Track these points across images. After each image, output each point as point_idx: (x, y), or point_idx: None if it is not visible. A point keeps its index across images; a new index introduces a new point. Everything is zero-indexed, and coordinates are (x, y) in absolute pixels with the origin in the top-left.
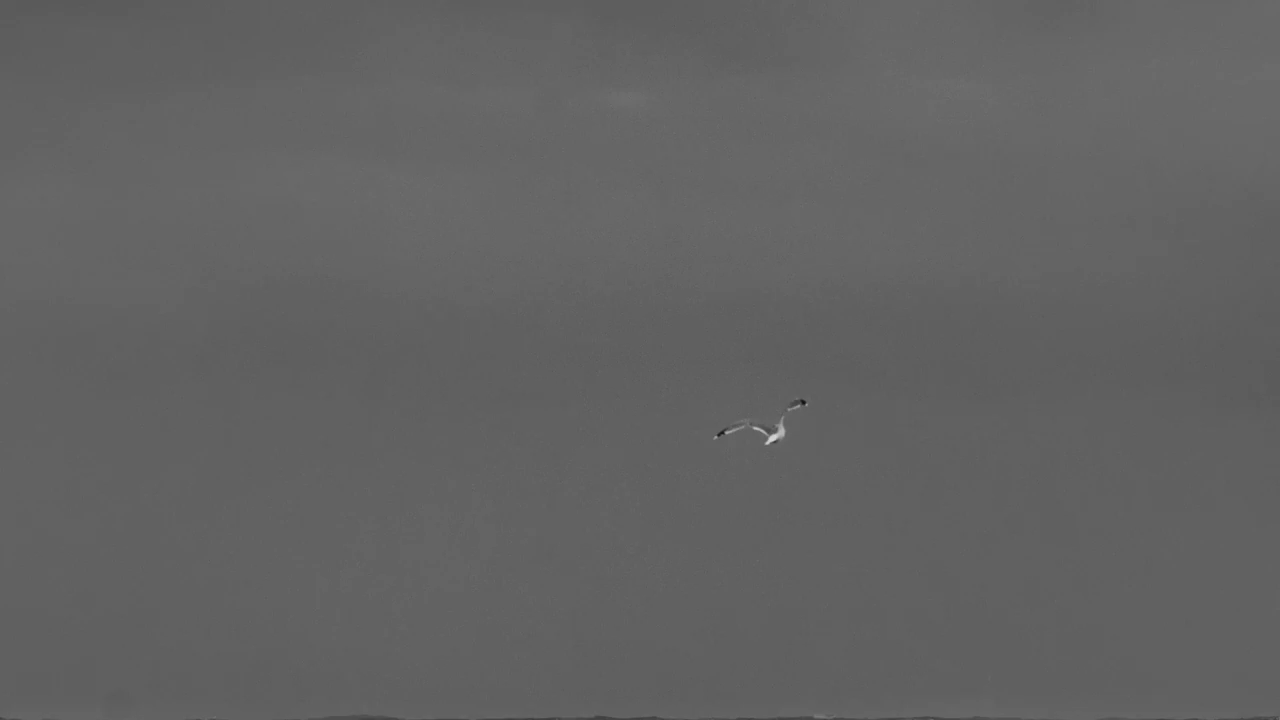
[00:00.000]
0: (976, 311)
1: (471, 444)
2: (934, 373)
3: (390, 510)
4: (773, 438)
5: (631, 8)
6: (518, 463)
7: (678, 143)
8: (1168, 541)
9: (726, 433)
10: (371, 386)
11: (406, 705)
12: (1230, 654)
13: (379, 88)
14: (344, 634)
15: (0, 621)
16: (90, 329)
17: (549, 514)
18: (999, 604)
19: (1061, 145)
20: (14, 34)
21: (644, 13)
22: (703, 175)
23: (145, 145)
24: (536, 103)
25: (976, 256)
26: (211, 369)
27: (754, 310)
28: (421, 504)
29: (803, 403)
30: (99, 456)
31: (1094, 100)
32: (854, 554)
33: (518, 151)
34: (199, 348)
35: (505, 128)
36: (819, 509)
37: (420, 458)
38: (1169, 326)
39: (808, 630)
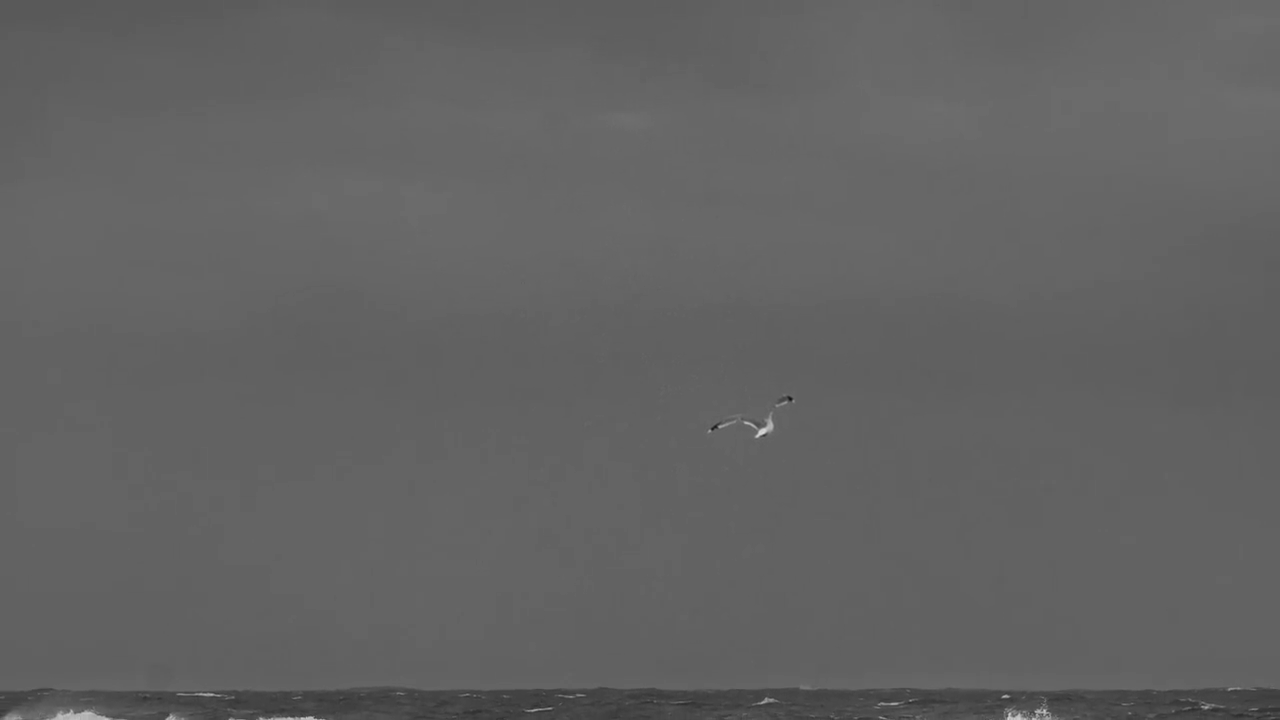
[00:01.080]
0: (949, 315)
1: (483, 437)
2: (910, 371)
3: (408, 498)
4: (762, 431)
5: (631, 36)
6: (526, 455)
7: (674, 160)
8: (1126, 525)
9: (720, 426)
10: (390, 384)
11: (424, 677)
12: (1179, 630)
13: (397, 109)
14: (367, 612)
15: (54, 601)
16: (132, 329)
17: (555, 502)
18: (968, 585)
19: (1026, 162)
20: (65, 60)
21: (643, 40)
22: (697, 190)
23: (183, 162)
24: (543, 123)
25: (950, 264)
26: (244, 367)
27: (745, 314)
28: (437, 493)
29: (789, 399)
30: (142, 448)
31: (1055, 121)
32: (837, 539)
33: (526, 168)
34: (232, 347)
35: (514, 146)
36: (805, 497)
37: (436, 450)
38: (1125, 329)
39: (794, 608)
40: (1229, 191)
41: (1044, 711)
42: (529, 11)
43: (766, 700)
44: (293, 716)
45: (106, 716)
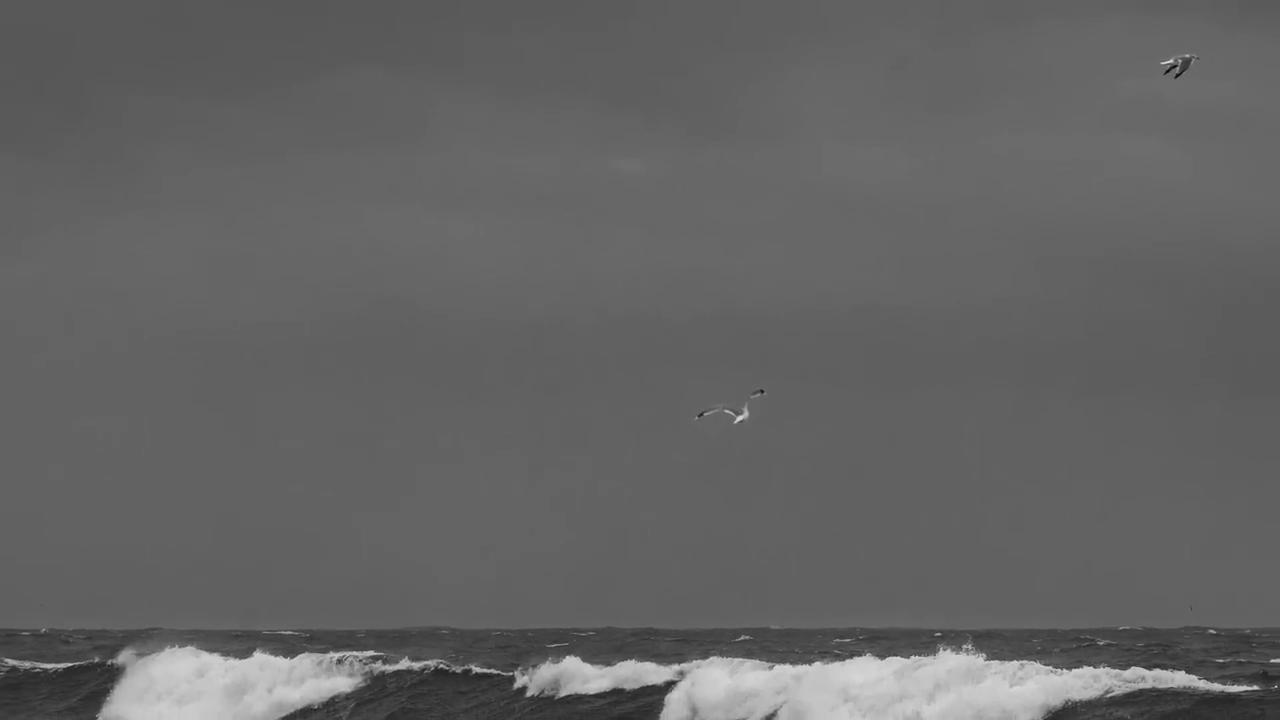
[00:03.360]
0: (891, 322)
1: (511, 421)
2: (860, 370)
3: (449, 471)
4: (739, 418)
5: (632, 95)
6: (546, 435)
7: (668, 197)
8: (1038, 494)
9: (705, 414)
10: (436, 377)
11: (462, 619)
12: (1079, 580)
13: (441, 155)
14: (417, 564)
15: (163, 554)
16: (228, 339)
17: (570, 475)
18: (908, 543)
19: (952, 198)
20: (168, 117)
21: (642, 99)
22: (687, 222)
23: (265, 199)
24: (560, 167)
25: (891, 281)
26: (319, 368)
27: (727, 322)
28: (473, 466)
29: (762, 392)
30: (232, 428)
31: (979, 166)
32: (800, 505)
33: (546, 203)
34: (309, 352)
35: (536, 185)
36: (774, 472)
37: (472, 430)
38: (1035, 334)
39: (765, 562)
40: (1119, 223)
41: (969, 646)
42: (548, 76)
43: (742, 637)
44: (356, 650)
45: (205, 650)
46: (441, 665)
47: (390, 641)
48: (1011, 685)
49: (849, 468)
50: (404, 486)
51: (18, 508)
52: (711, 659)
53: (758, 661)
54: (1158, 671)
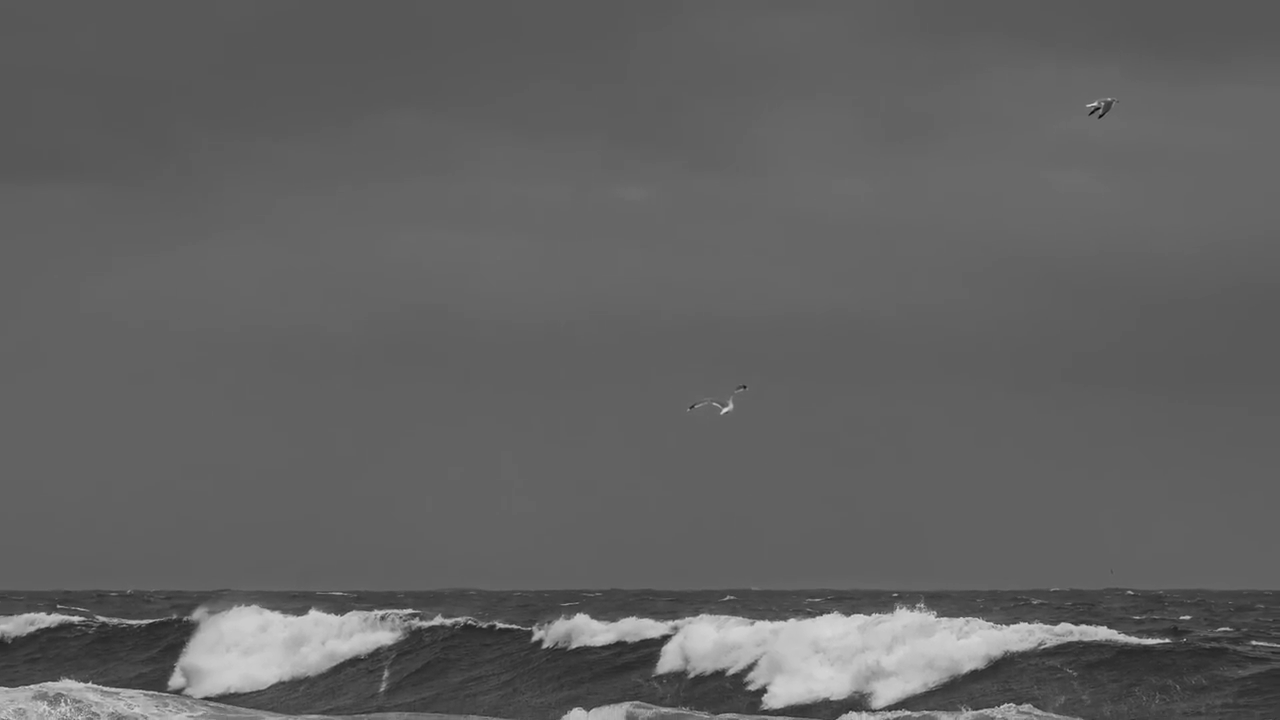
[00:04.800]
0: (856, 328)
1: (528, 412)
2: (828, 367)
3: (477, 455)
4: (724, 410)
5: (635, 134)
6: (559, 424)
7: (665, 221)
8: (977, 471)
9: (695, 406)
10: (464, 374)
11: (488, 582)
12: (1015, 546)
13: (470, 184)
14: (448, 535)
15: (232, 524)
16: (287, 341)
17: (579, 457)
18: (869, 515)
19: (906, 222)
20: (239, 153)
21: (643, 137)
22: (681, 241)
23: (322, 223)
24: (573, 195)
25: (856, 292)
26: (364, 365)
27: (713, 328)
28: (497, 451)
29: (744, 387)
30: (292, 417)
31: (931, 193)
32: (777, 482)
33: (560, 226)
34: (356, 352)
35: (553, 211)
36: (754, 455)
37: (494, 420)
38: (974, 336)
39: (747, 532)
40: (1049, 241)
41: (922, 605)
42: (561, 117)
43: (728, 597)
44: (397, 609)
45: (267, 608)
46: (470, 621)
47: (426, 601)
48: (958, 638)
49: (819, 452)
50: (438, 468)
51: (112, 491)
52: (701, 616)
53: (741, 618)
54: (1083, 627)
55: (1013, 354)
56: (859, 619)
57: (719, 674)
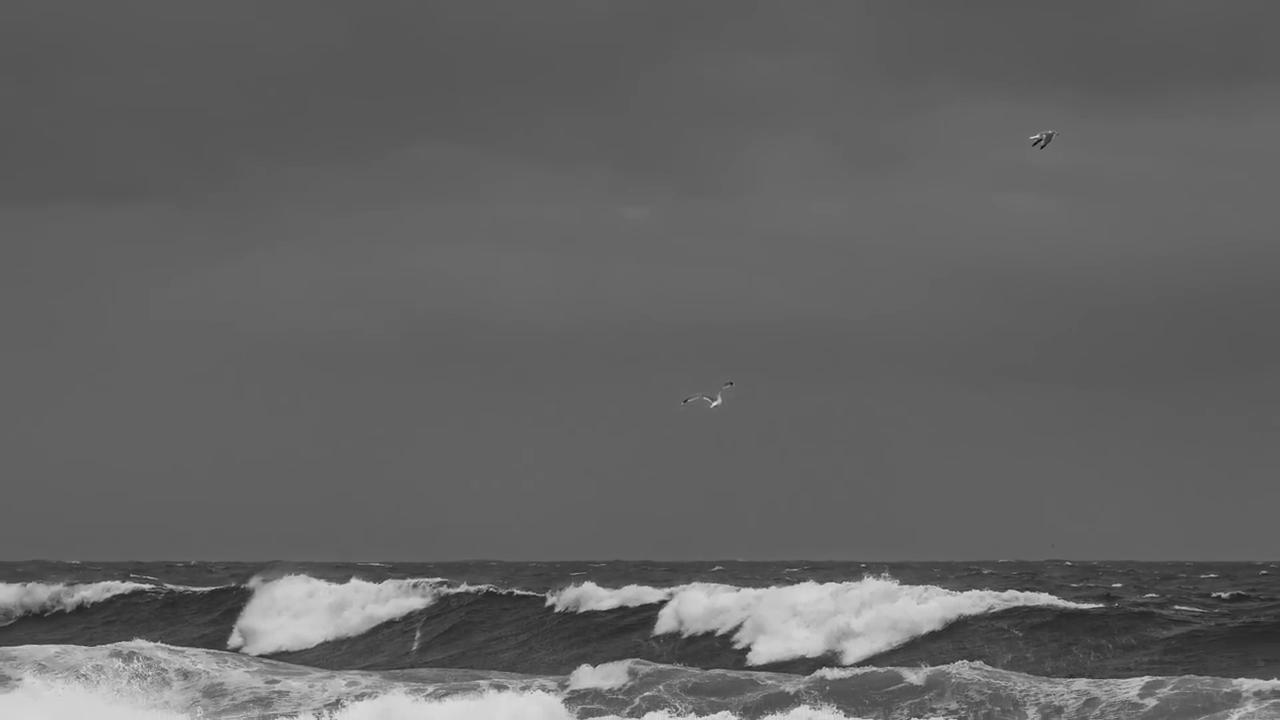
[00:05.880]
0: (827, 331)
1: (542, 405)
2: (803, 366)
3: (498, 443)
4: (714, 404)
5: (635, 162)
6: (569, 416)
7: (662, 239)
8: (936, 457)
9: (688, 400)
10: (486, 373)
11: (507, 553)
12: (966, 523)
13: (493, 207)
14: (471, 513)
15: (285, 508)
16: (331, 344)
17: (586, 444)
18: (841, 495)
19: (873, 239)
20: (289, 175)
21: (643, 164)
22: (675, 255)
23: (362, 240)
24: (582, 215)
25: (827, 300)
26: (399, 363)
27: (703, 331)
28: (515, 440)
29: (731, 384)
30: (332, 411)
31: (895, 214)
32: (759, 468)
33: (570, 241)
34: (389, 353)
35: (563, 229)
36: (739, 442)
37: (514, 413)
38: (933, 339)
39: (734, 511)
40: (997, 256)
41: (886, 574)
42: (572, 147)
43: (717, 567)
44: (427, 577)
45: (314, 577)
46: (491, 589)
47: (452, 571)
48: (918, 604)
49: (797, 440)
50: (462, 454)
51: (179, 474)
52: (694, 584)
53: (728, 586)
54: (1027, 594)
55: (966, 354)
56: (831, 586)
57: (709, 634)
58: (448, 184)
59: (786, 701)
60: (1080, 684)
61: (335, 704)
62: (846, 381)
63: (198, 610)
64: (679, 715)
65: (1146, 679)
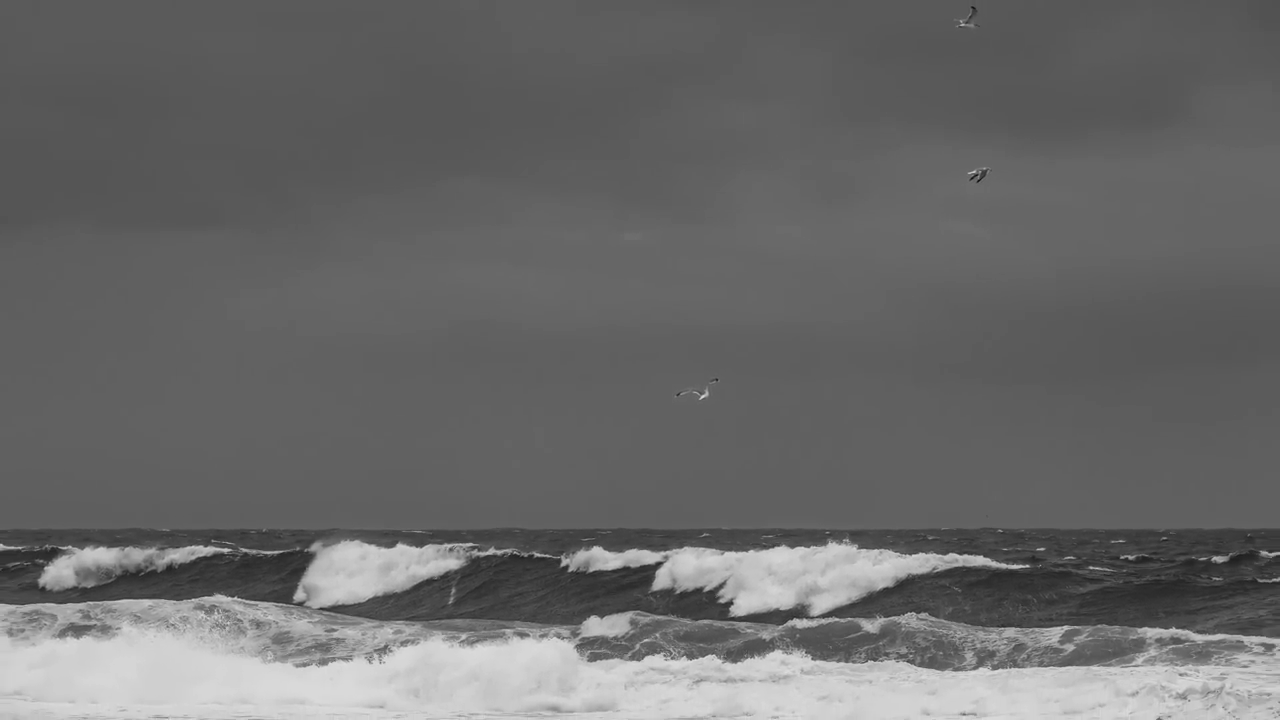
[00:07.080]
0: (798, 337)
1: (556, 398)
2: (777, 366)
3: (521, 430)
4: (702, 396)
5: (636, 192)
6: (578, 408)
7: (659, 259)
8: (891, 443)
9: (680, 394)
10: (511, 373)
11: (528, 522)
12: (909, 498)
13: (515, 231)
14: (499, 487)
15: (343, 485)
16: (378, 346)
17: (594, 431)
18: (809, 472)
19: (834, 258)
20: (341, 203)
21: (643, 194)
22: (669, 273)
23: (406, 259)
24: (588, 238)
25: (797, 310)
26: (436, 364)
27: (694, 336)
28: (534, 428)
29: (717, 379)
30: (382, 406)
31: (854, 237)
32: (740, 450)
33: (581, 261)
34: (429, 354)
35: (572, 250)
36: (722, 427)
37: (534, 406)
38: (887, 343)
39: (718, 484)
40: (941, 272)
41: (847, 540)
42: (581, 179)
43: (704, 534)
44: (461, 542)
45: (366, 542)
46: (515, 552)
47: (482, 537)
48: (874, 565)
49: (771, 428)
50: (491, 440)
51: (252, 456)
52: (685, 548)
53: (714, 550)
54: (966, 556)
55: (914, 355)
56: (800, 550)
57: (698, 591)
58: (478, 212)
59: (763, 647)
60: (1010, 632)
61: (384, 649)
62: (815, 378)
63: (268, 570)
64: (672, 658)
65: (1066, 628)
